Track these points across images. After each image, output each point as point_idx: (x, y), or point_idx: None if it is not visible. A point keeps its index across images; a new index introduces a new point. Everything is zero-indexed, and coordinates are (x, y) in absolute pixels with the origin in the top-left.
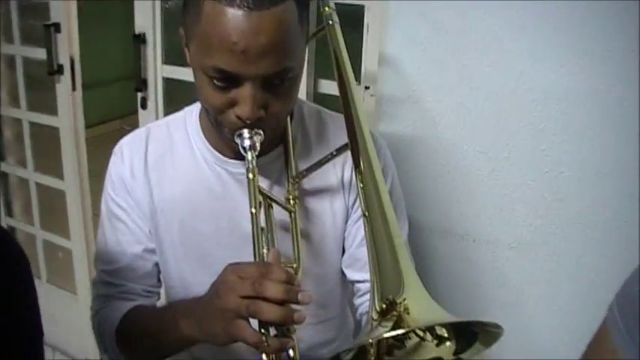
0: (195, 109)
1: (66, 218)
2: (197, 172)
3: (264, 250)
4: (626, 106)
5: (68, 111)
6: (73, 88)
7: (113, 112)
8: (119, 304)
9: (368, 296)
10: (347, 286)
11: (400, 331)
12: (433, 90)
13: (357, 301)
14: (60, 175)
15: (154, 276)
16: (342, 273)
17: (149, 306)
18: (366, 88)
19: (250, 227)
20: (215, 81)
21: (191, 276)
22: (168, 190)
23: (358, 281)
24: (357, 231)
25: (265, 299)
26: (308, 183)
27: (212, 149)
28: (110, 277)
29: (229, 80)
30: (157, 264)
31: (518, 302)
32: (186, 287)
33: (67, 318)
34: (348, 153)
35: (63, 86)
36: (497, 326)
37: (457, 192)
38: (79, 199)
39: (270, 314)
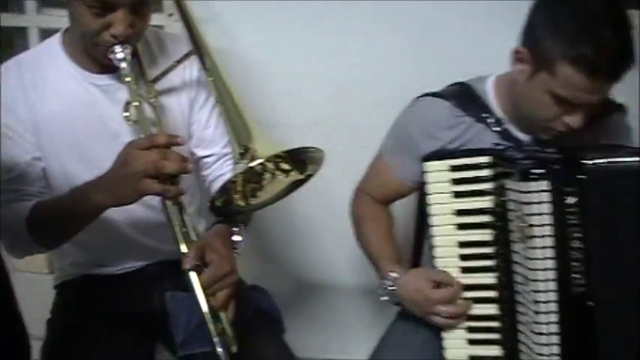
0: (54, 40)
1: None
2: (68, 88)
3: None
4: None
5: None
6: None
7: None
8: (22, 204)
9: (214, 167)
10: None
11: (256, 162)
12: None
13: (205, 172)
14: None
15: (43, 179)
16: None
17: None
18: (170, 15)
19: (116, 126)
20: (94, 9)
21: (74, 172)
22: (47, 105)
23: (205, 156)
24: (201, 117)
25: (165, 159)
26: (160, 85)
27: (79, 68)
28: (10, 184)
29: (105, 8)
30: (44, 169)
31: None
32: (70, 184)
33: None
34: (188, 60)
35: None
36: (319, 150)
37: None
38: None
39: (172, 167)
